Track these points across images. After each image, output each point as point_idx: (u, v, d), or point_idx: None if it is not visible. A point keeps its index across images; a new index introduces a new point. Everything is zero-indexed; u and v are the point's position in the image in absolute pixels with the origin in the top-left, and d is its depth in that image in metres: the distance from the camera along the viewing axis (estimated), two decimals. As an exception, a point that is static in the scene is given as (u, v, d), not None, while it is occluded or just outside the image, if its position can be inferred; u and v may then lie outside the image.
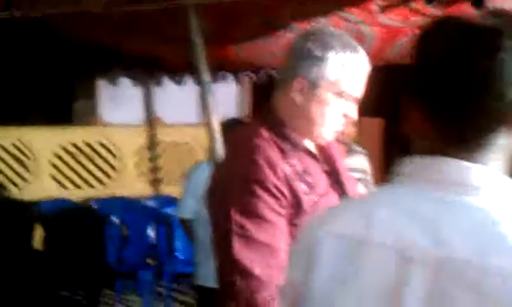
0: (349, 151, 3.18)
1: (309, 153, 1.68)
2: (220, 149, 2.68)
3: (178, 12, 2.77)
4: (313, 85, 1.60)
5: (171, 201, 5.82)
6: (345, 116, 1.64)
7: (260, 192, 1.55)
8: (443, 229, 0.83)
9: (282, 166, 1.58)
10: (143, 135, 6.66)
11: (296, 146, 1.64)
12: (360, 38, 2.99)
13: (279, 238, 1.56)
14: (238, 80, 5.88)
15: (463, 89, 0.85)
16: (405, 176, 0.90)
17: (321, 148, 1.73)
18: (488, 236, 0.81)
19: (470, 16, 0.87)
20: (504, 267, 0.79)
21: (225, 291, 1.60)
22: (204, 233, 3.51)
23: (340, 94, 1.61)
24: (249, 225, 1.55)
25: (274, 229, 1.56)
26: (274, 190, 1.55)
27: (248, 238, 1.55)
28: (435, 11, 3.30)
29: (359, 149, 3.35)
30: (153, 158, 6.64)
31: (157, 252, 5.57)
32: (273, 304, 1.50)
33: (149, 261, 5.66)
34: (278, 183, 1.56)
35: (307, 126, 1.65)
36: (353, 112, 1.66)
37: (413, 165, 0.90)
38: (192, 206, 3.59)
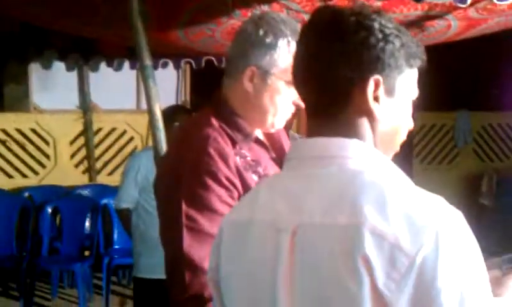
0: (289, 139, 3.16)
1: (260, 142, 1.66)
2: (162, 138, 2.58)
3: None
4: (265, 73, 1.57)
5: (108, 190, 5.69)
6: (294, 104, 1.62)
7: (212, 184, 1.51)
8: (303, 200, 0.95)
9: (234, 157, 1.55)
10: (79, 122, 6.44)
11: (247, 136, 1.61)
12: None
13: None
14: (178, 67, 5.75)
15: (306, 71, 1.01)
16: (288, 159, 1.04)
17: (268, 135, 1.71)
18: (331, 199, 0.92)
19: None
20: (339, 224, 0.89)
21: (174, 285, 1.55)
22: (143, 223, 3.44)
23: (290, 82, 1.54)
24: (201, 219, 1.50)
25: None
26: (226, 182, 1.52)
27: (199, 232, 1.50)
28: (377, 1, 3.30)
29: (298, 136, 3.34)
30: (89, 146, 6.44)
31: (93, 244, 5.41)
32: None
33: (86, 253, 5.51)
34: (230, 175, 1.52)
35: (258, 115, 1.61)
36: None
37: (293, 148, 1.05)
38: (131, 195, 3.48)
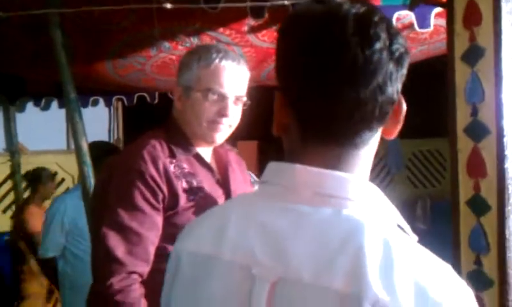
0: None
1: (203, 163, 1.80)
2: (90, 173, 2.47)
3: (39, 24, 2.54)
4: (186, 89, 1.77)
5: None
6: (218, 113, 1.75)
7: (138, 182, 1.64)
8: (286, 244, 0.78)
9: (167, 163, 1.69)
10: (5, 165, 6.16)
11: (186, 151, 1.76)
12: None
13: (149, 229, 1.64)
14: (109, 104, 5.62)
15: (317, 82, 0.79)
16: (262, 184, 0.86)
17: (220, 161, 1.86)
18: (324, 254, 0.75)
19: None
20: (336, 286, 0.73)
21: (95, 277, 1.66)
22: (72, 269, 3.24)
23: (206, 91, 1.74)
24: (123, 212, 1.63)
25: (145, 220, 1.64)
26: (152, 183, 1.64)
27: (118, 223, 1.62)
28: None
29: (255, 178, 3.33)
30: (17, 190, 6.16)
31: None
32: (129, 289, 1.59)
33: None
34: (156, 176, 1.65)
35: (190, 128, 1.78)
36: (227, 110, 1.75)
37: (269, 171, 0.86)
38: (57, 243, 3.28)
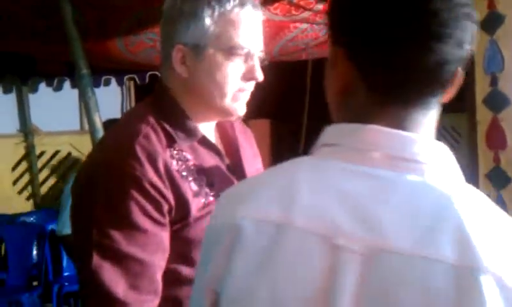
0: None
1: (209, 145, 1.38)
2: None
3: (49, 1, 2.52)
4: (196, 48, 1.30)
5: (55, 216, 5.47)
6: (245, 77, 1.33)
7: (134, 192, 1.22)
8: (376, 213, 0.70)
9: (168, 159, 1.27)
10: (20, 146, 6.19)
11: (191, 134, 1.33)
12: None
13: (154, 252, 1.25)
14: (121, 83, 5.61)
15: (402, 28, 0.71)
16: (329, 147, 0.76)
17: (223, 137, 1.46)
18: (421, 223, 0.69)
19: None
20: (447, 258, 0.66)
21: None
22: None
23: (229, 50, 1.30)
24: (117, 234, 1.22)
25: (148, 241, 1.24)
26: (153, 192, 1.23)
27: (112, 250, 1.22)
28: (317, 4, 3.27)
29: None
30: (32, 171, 6.20)
31: (41, 272, 5.18)
32: None
33: (34, 282, 5.27)
34: (159, 183, 1.24)
35: (203, 102, 1.34)
36: (256, 72, 1.34)
37: (338, 133, 0.76)
38: None
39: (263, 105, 3.44)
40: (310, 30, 3.54)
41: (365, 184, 0.72)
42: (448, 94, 0.77)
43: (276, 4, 3.02)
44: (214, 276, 0.76)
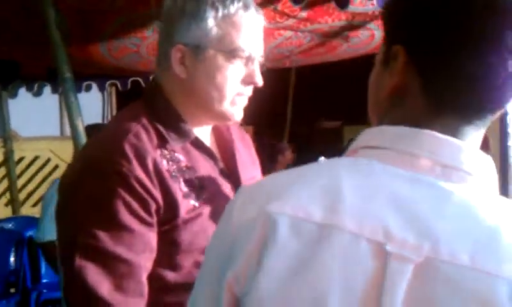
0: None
1: (201, 147, 1.36)
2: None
3: (32, 4, 2.50)
4: (196, 49, 1.29)
5: (34, 222, 5.41)
6: (245, 81, 1.32)
7: (120, 190, 1.19)
8: (431, 222, 0.68)
9: (158, 158, 1.25)
10: (-2, 151, 6.12)
11: (184, 135, 1.31)
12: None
13: (140, 252, 1.22)
14: (103, 89, 5.56)
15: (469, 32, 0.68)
16: (372, 149, 0.73)
17: (221, 140, 1.44)
18: (478, 236, 0.67)
19: None
20: (503, 271, 0.66)
21: None
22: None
23: (231, 53, 1.29)
24: (103, 233, 1.19)
25: (134, 241, 1.21)
26: (140, 189, 1.20)
27: (97, 250, 1.20)
28: (302, 12, 3.28)
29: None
30: (10, 177, 6.11)
31: (19, 279, 5.11)
32: None
33: (12, 289, 5.20)
34: (146, 181, 1.21)
35: (199, 104, 1.32)
36: (256, 77, 1.33)
37: (386, 136, 0.73)
38: (52, 227, 3.27)
39: (247, 112, 3.45)
40: (295, 38, 3.56)
41: (419, 191, 0.69)
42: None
43: (261, 12, 3.02)
44: (239, 272, 0.71)
